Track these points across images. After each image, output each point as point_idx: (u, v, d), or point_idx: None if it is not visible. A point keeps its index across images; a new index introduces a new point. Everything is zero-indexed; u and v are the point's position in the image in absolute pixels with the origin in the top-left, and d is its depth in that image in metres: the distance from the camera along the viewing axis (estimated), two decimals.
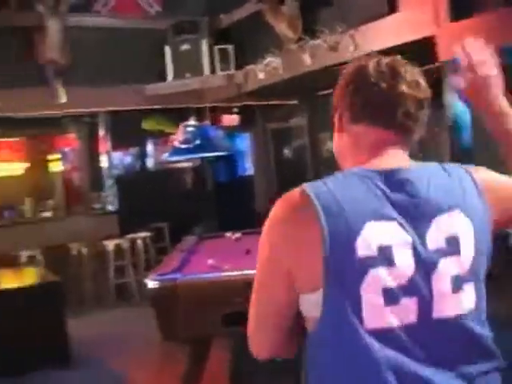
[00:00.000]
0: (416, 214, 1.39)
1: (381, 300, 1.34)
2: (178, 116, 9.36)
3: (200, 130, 5.66)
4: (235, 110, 10.24)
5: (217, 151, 5.81)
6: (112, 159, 9.61)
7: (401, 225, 1.37)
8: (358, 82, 1.50)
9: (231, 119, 10.64)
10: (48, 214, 10.10)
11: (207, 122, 7.59)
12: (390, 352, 1.34)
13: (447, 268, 1.38)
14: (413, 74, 1.48)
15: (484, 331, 1.45)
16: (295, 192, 1.41)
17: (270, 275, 1.44)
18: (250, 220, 10.72)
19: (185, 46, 9.01)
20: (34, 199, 10.41)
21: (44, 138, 10.62)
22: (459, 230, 1.41)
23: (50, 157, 10.94)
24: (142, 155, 10.32)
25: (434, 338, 1.38)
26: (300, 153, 10.48)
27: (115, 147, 9.72)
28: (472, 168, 1.52)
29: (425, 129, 1.52)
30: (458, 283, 1.40)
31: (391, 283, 1.34)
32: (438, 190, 1.43)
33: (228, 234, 6.89)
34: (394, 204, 1.38)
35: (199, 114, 9.34)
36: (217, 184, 11.22)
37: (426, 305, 1.37)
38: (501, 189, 1.53)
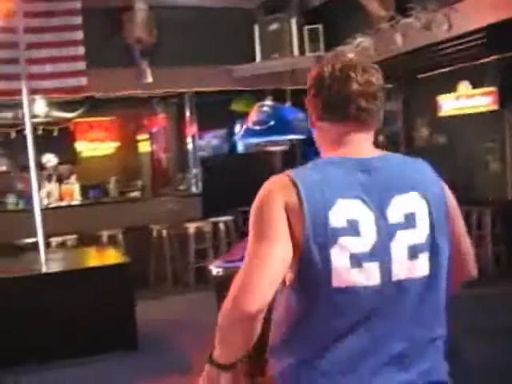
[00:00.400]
0: (378, 194, 1.67)
1: (348, 263, 1.61)
2: (268, 98, 9.13)
3: (276, 110, 5.31)
4: None
5: (294, 134, 5.43)
6: (198, 141, 9.47)
7: (365, 202, 1.65)
8: (316, 87, 1.77)
9: None
10: (135, 194, 10.19)
11: (288, 104, 7.25)
12: (353, 308, 1.64)
13: (404, 238, 1.67)
14: (364, 74, 1.71)
15: (437, 298, 1.73)
16: (282, 176, 1.68)
17: (273, 231, 1.62)
18: None
19: (274, 26, 8.71)
20: (122, 179, 10.54)
21: (134, 118, 10.69)
22: (416, 208, 1.70)
23: (139, 137, 11.01)
24: (231, 137, 10.14)
25: (394, 299, 1.66)
26: (393, 140, 9.99)
27: (202, 128, 9.58)
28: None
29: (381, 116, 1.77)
30: (413, 252, 1.67)
31: (357, 250, 1.62)
32: (397, 175, 1.73)
33: None
34: (361, 185, 1.67)
35: (290, 96, 9.09)
36: None
37: (386, 269, 1.65)
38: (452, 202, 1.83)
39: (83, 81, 8.32)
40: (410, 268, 1.67)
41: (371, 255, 1.64)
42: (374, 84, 1.72)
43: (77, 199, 8.70)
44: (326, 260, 1.61)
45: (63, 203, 8.50)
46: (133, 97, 9.10)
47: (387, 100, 1.71)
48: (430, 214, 1.71)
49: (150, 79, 8.58)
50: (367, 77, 1.72)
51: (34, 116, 9.04)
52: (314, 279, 1.63)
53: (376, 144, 1.79)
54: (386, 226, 1.66)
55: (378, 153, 1.76)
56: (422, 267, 1.69)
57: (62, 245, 7.70)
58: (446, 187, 1.81)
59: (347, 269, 1.62)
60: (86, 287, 5.61)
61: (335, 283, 1.62)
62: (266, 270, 1.61)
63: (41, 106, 8.85)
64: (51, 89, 8.20)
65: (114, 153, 11.37)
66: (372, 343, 1.66)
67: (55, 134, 9.50)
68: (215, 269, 4.52)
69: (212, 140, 9.97)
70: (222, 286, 4.61)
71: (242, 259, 4.66)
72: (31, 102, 8.77)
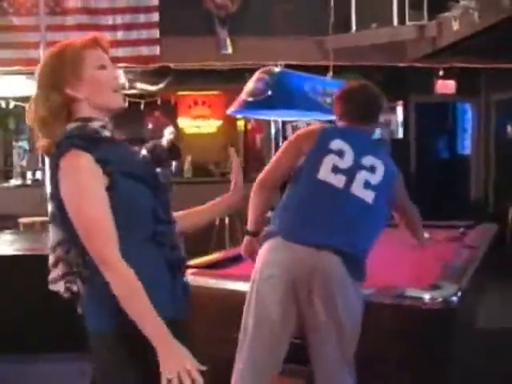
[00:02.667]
0: (362, 148, 2.83)
1: (330, 168, 2.74)
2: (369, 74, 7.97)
3: (279, 78, 3.98)
4: (441, 72, 8.36)
5: (305, 110, 4.08)
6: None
7: (351, 146, 2.79)
8: None
9: (446, 85, 8.77)
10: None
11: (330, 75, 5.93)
12: (322, 191, 2.74)
13: (364, 175, 2.77)
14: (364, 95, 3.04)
15: (371, 218, 2.80)
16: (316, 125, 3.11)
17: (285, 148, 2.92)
18: (457, 209, 8.92)
19: None
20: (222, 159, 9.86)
21: (228, 94, 9.90)
22: (377, 165, 2.81)
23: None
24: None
25: (347, 203, 2.74)
26: None
27: None
28: None
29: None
30: (366, 185, 2.76)
31: (337, 164, 2.75)
32: (375, 148, 2.93)
33: None
34: (354, 139, 2.86)
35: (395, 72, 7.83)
36: (423, 162, 9.44)
37: (349, 183, 2.74)
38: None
39: (156, 50, 7.73)
40: (362, 193, 2.75)
41: (344, 171, 2.74)
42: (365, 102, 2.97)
43: None
44: (320, 162, 2.75)
45: None
46: (220, 70, 8.28)
47: None
48: (383, 174, 2.80)
49: (229, 50, 7.76)
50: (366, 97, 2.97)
51: None
52: (308, 171, 2.77)
53: None
54: (359, 163, 2.77)
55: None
56: (368, 196, 2.76)
57: None
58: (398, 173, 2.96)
59: (329, 171, 2.74)
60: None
61: (320, 177, 2.74)
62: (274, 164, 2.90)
63: (121, 77, 8.34)
64: (122, 57, 7.68)
65: (216, 131, 10.71)
66: (322, 215, 2.72)
67: (141, 107, 8.95)
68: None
69: (313, 122, 8.84)
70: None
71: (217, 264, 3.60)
72: None
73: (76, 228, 1.78)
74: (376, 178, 2.78)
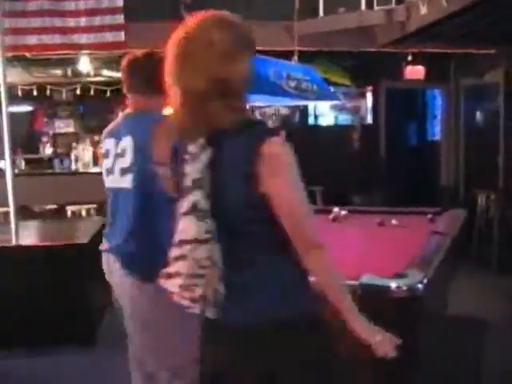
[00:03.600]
0: (120, 134, 2.72)
1: (105, 174, 2.81)
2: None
3: None
4: (410, 58, 8.31)
5: (265, 94, 3.93)
6: (261, 108, 8.33)
7: (114, 139, 2.75)
8: None
9: (415, 71, 8.72)
10: None
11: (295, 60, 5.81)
12: (107, 198, 2.86)
13: (119, 163, 2.67)
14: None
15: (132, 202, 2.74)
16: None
17: None
18: (427, 195, 8.92)
19: None
20: None
21: None
22: (126, 142, 2.66)
23: None
24: (302, 108, 8.89)
25: (117, 199, 2.76)
26: (492, 118, 8.25)
27: None
28: None
29: None
30: (122, 171, 2.65)
31: (106, 166, 2.78)
32: (124, 126, 2.76)
33: (336, 210, 5.38)
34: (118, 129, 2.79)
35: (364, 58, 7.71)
36: (393, 148, 9.40)
37: (113, 180, 2.73)
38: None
39: (121, 35, 7.55)
40: (121, 182, 2.68)
41: (110, 171, 2.74)
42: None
43: None
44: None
45: (94, 169, 7.75)
46: None
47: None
48: (133, 146, 2.63)
49: None
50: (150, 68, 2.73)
51: (81, 74, 8.47)
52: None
53: None
54: (116, 155, 2.72)
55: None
56: (127, 182, 2.65)
57: (77, 214, 6.99)
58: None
59: (105, 176, 2.79)
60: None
61: (106, 185, 2.82)
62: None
63: (85, 64, 8.15)
64: (86, 43, 7.51)
65: None
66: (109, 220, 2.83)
67: (107, 95, 8.77)
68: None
69: (281, 109, 8.75)
70: None
71: None
72: (76, 59, 8.20)
73: (290, 218, 1.76)
74: (126, 160, 2.64)
